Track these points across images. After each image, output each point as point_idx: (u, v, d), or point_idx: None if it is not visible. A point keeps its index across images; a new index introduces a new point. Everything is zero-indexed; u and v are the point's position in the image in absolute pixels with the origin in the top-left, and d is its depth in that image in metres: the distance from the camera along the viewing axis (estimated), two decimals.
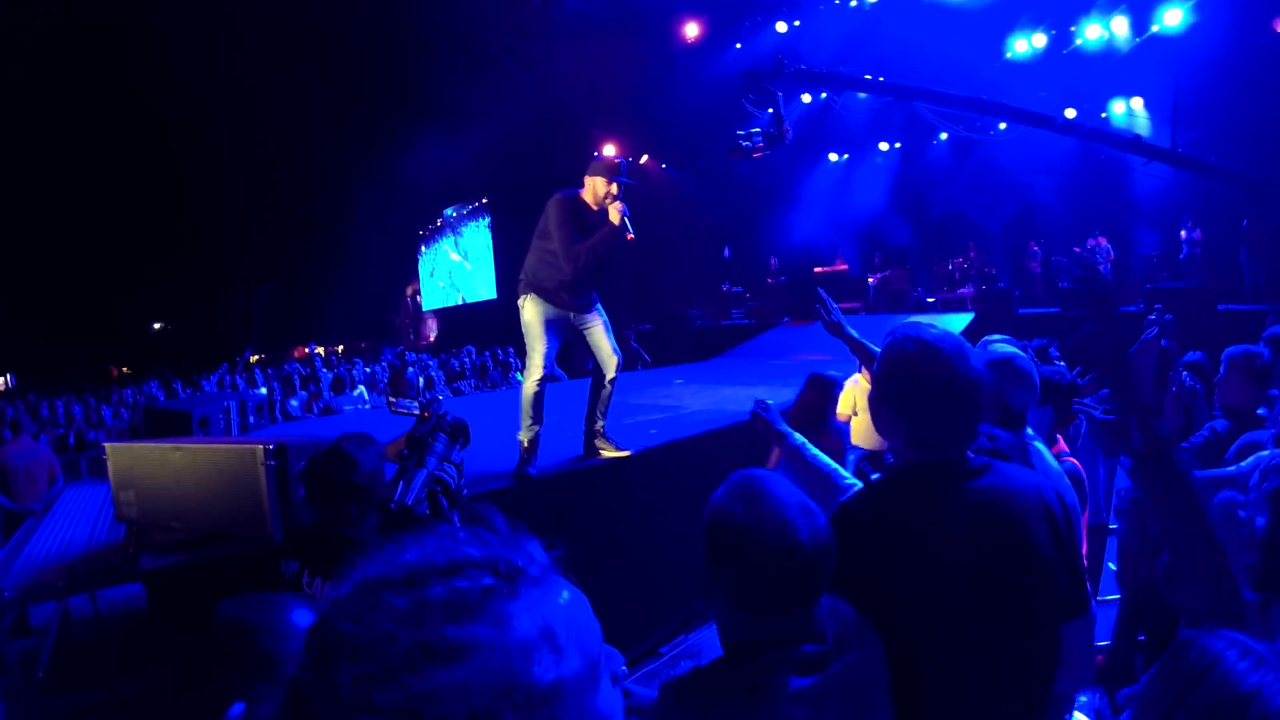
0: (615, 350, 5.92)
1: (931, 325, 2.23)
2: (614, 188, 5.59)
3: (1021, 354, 3.38)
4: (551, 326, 5.75)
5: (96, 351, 28.57)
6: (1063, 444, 3.82)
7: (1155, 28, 15.50)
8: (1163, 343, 4.65)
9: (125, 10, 20.91)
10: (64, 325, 27.63)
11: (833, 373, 5.52)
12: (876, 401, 2.24)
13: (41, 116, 23.74)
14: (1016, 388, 3.27)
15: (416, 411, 2.81)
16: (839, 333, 3.82)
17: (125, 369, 28.21)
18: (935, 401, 2.11)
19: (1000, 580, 2.01)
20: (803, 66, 6.92)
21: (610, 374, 5.92)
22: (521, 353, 6.24)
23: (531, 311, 5.76)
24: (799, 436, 2.89)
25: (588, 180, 5.67)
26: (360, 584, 0.89)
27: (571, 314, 5.78)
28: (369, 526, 2.92)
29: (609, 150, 21.94)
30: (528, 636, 0.84)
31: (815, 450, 2.83)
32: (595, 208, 5.66)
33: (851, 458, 5.65)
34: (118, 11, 20.94)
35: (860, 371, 7.77)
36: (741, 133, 6.64)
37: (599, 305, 5.91)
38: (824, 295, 3.92)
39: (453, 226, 29.32)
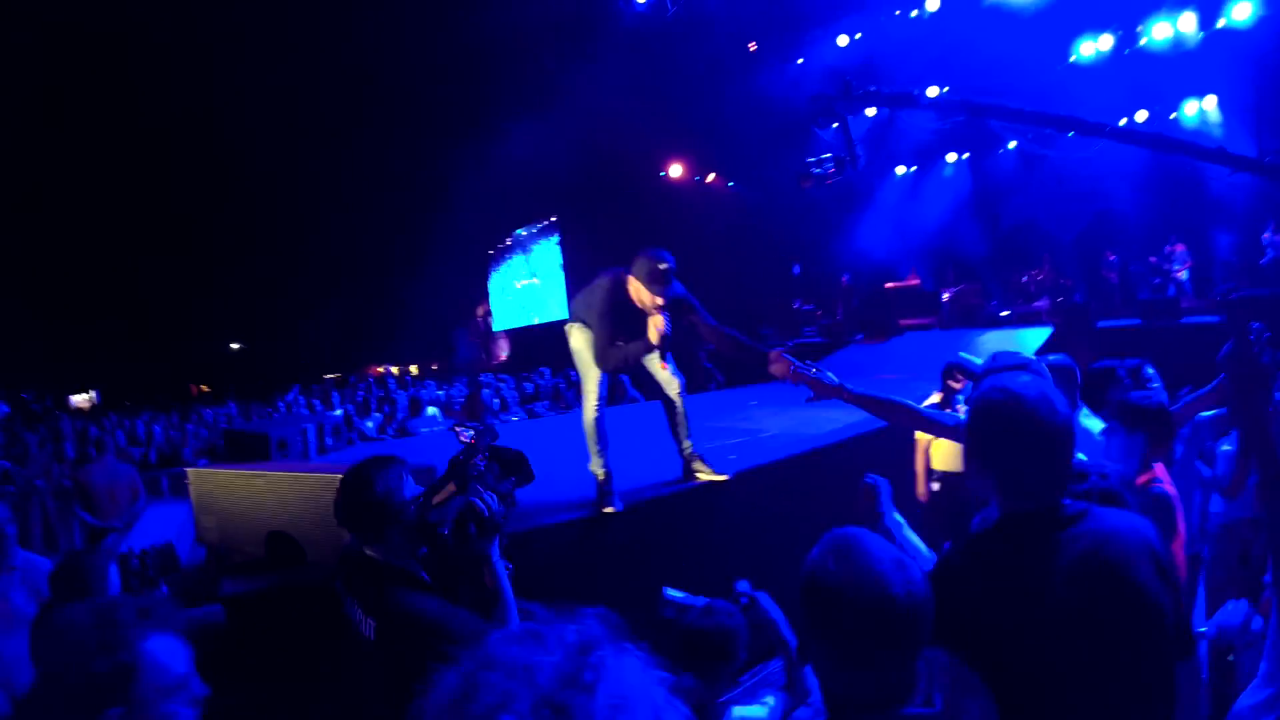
0: (675, 373, 5.81)
1: (1019, 374, 2.23)
2: (660, 300, 5.19)
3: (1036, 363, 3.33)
4: None
5: (178, 371, 29.31)
6: (1158, 471, 3.69)
7: (1222, 22, 15.15)
8: (1264, 359, 4.49)
9: (190, 37, 21.51)
10: (148, 344, 28.40)
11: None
12: (967, 455, 2.23)
13: (120, 143, 24.49)
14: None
15: (467, 439, 2.88)
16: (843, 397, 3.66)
17: (205, 387, 28.90)
18: (1022, 451, 2.10)
19: (1111, 626, 1.99)
20: (871, 87, 6.81)
21: (674, 396, 5.86)
22: None
23: (580, 339, 5.65)
24: (898, 517, 2.91)
25: (631, 280, 5.26)
26: None
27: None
28: (395, 545, 2.94)
29: (675, 170, 21.95)
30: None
31: (909, 535, 2.86)
32: (638, 307, 5.29)
33: None
34: (186, 39, 21.55)
35: (938, 391, 7.63)
36: (812, 159, 6.49)
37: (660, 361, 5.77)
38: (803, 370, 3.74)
39: (523, 246, 29.57)
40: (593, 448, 5.66)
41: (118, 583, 3.41)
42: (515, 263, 30.16)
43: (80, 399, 29.87)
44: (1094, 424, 4.25)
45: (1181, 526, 3.52)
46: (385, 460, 3.05)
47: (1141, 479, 3.65)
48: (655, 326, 5.24)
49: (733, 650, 3.16)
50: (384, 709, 2.69)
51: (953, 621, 1.97)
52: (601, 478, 5.61)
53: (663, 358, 5.47)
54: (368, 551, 2.96)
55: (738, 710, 3.09)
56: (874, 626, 1.80)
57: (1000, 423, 2.12)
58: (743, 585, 3.39)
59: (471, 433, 2.91)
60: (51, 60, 22.03)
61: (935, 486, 7.05)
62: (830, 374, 3.75)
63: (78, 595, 3.17)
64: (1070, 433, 2.11)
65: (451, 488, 2.83)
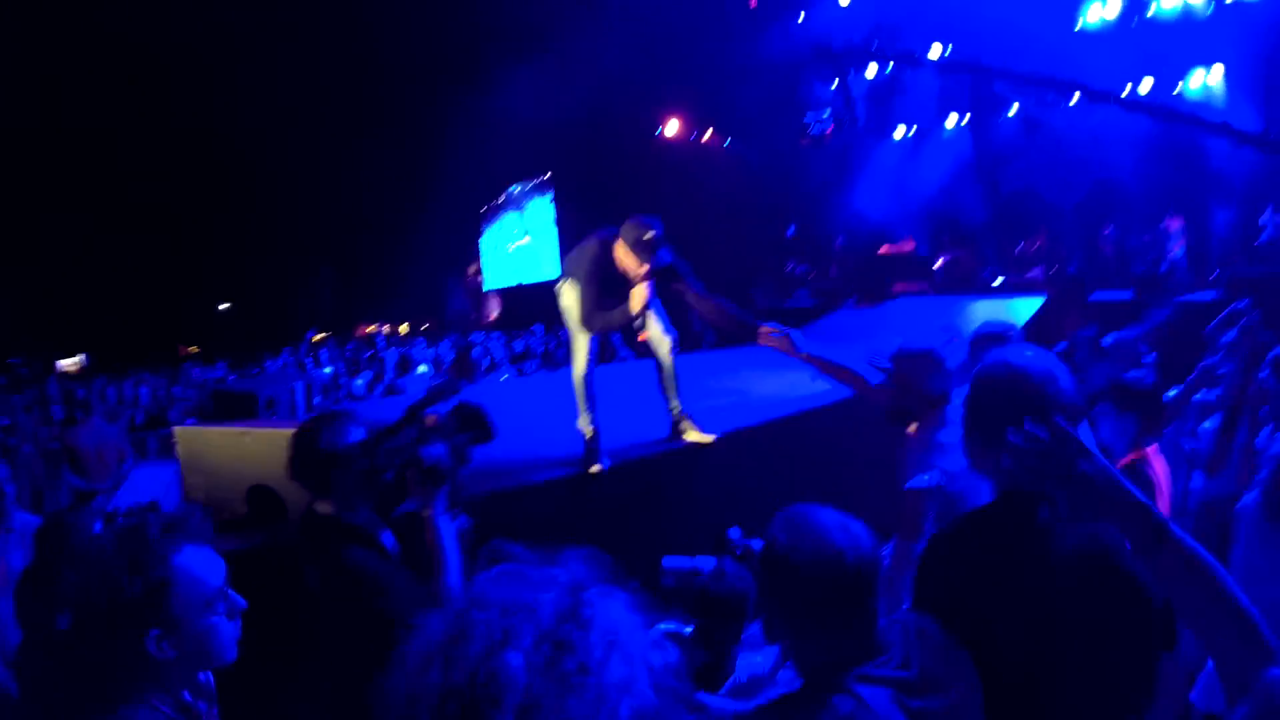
0: (667, 329, 5.82)
1: (1025, 348, 2.19)
2: (644, 269, 5.23)
3: (943, 347, 3.50)
4: None
5: (167, 332, 29.15)
6: (1149, 452, 3.68)
7: None
8: (1261, 338, 4.48)
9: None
10: (136, 306, 28.23)
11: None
12: (968, 429, 2.18)
13: (107, 103, 24.23)
14: (933, 376, 3.40)
15: (428, 387, 2.94)
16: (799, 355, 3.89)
17: (194, 348, 28.77)
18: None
19: (1099, 612, 1.99)
20: (872, 47, 6.75)
21: (665, 355, 5.86)
22: None
23: (570, 297, 5.64)
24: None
25: (618, 244, 5.28)
26: None
27: None
28: (345, 496, 2.99)
29: (672, 127, 21.75)
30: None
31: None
32: (623, 273, 5.32)
33: None
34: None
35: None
36: (811, 114, 6.45)
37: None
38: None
39: (516, 203, 29.35)
40: (581, 405, 5.70)
41: None
42: (508, 220, 29.94)
43: (69, 363, 29.76)
44: None
45: (1164, 507, 3.52)
46: (331, 415, 3.14)
47: (1130, 458, 3.64)
48: (638, 297, 5.27)
49: (745, 609, 3.25)
50: (325, 661, 2.72)
51: (944, 594, 1.99)
52: (589, 435, 5.66)
53: (642, 325, 5.45)
54: (318, 506, 3.00)
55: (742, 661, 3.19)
56: (824, 585, 1.88)
57: (1002, 399, 2.07)
58: (735, 534, 3.40)
59: (433, 382, 2.96)
60: (41, 27, 21.79)
61: None
62: (794, 333, 4.03)
63: (63, 555, 3.17)
64: (1077, 410, 2.07)
65: (403, 435, 2.87)
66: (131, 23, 21.95)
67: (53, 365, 27.12)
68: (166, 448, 9.34)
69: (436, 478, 2.78)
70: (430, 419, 2.97)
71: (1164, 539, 1.59)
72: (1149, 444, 3.67)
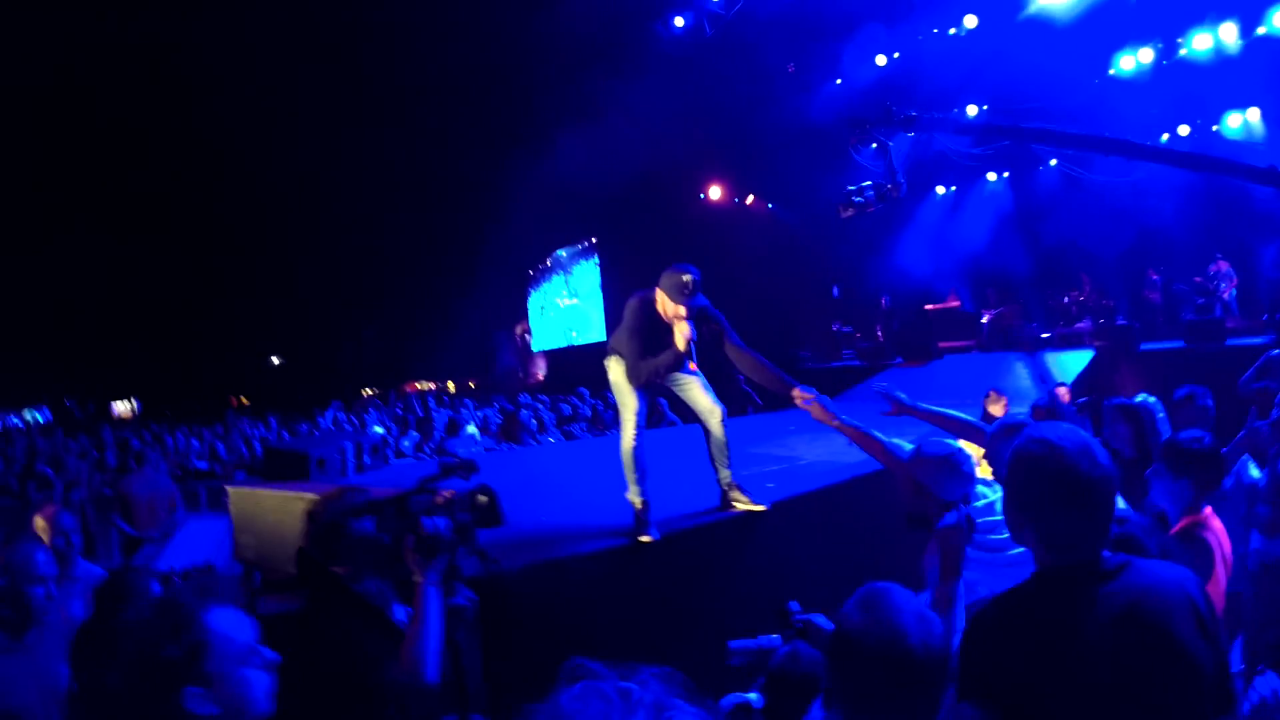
0: (715, 402, 5.89)
1: (1058, 424, 2.20)
2: (682, 310, 5.44)
3: (959, 451, 3.51)
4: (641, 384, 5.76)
5: (218, 383, 29.64)
6: (1205, 514, 3.59)
7: (1262, 29, 14.97)
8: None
9: (239, 54, 21.94)
10: (189, 356, 28.79)
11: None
12: (1007, 507, 2.19)
13: (168, 156, 24.98)
14: (949, 482, 3.41)
15: (449, 463, 3.00)
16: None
17: (244, 400, 29.19)
18: (1061, 504, 2.07)
19: (1148, 683, 1.97)
20: (911, 111, 6.79)
21: (715, 427, 5.89)
22: None
23: (617, 371, 5.76)
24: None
25: (658, 292, 5.52)
26: None
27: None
28: (355, 564, 3.13)
29: (714, 192, 21.89)
30: None
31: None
32: (666, 321, 5.54)
33: None
34: (236, 56, 22.00)
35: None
36: (852, 187, 6.50)
37: (689, 364, 5.86)
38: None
39: (563, 266, 29.67)
40: (630, 477, 5.71)
41: None
42: (555, 283, 30.27)
43: (122, 407, 30.30)
44: None
45: (1220, 570, 3.43)
46: (340, 489, 3.21)
47: (1185, 523, 3.56)
48: (681, 334, 5.42)
49: (817, 687, 3.23)
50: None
51: (987, 678, 1.97)
52: (639, 506, 5.65)
53: (690, 357, 5.59)
54: (333, 567, 3.10)
55: None
56: (889, 674, 1.89)
57: (1039, 476, 2.09)
58: (795, 607, 3.39)
59: (454, 461, 3.01)
60: (100, 72, 22.53)
61: None
62: (825, 399, 4.31)
63: (118, 614, 3.27)
64: (1111, 484, 2.07)
65: (412, 504, 2.92)
66: (198, 75, 22.64)
67: (107, 407, 27.64)
68: (217, 499, 9.48)
69: (431, 549, 2.83)
70: (446, 494, 3.01)
71: None
72: (1206, 505, 3.57)
